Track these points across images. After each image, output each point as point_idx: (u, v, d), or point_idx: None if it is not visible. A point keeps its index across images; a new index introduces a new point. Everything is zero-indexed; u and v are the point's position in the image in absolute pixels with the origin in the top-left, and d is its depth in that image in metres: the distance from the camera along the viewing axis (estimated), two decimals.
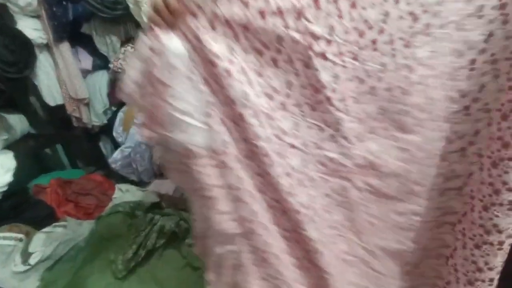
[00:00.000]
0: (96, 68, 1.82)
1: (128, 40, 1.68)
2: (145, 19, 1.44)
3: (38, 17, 1.63)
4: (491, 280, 0.61)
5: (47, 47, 1.70)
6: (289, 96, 0.58)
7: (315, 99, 0.57)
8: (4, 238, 1.31)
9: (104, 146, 2.06)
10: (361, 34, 0.53)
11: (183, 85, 0.55)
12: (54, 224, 1.44)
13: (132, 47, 1.63)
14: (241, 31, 0.53)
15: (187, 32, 0.53)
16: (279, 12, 0.51)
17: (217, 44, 0.53)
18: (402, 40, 0.53)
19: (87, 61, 1.78)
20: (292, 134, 0.59)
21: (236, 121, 0.57)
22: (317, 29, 0.52)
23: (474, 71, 0.54)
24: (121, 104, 1.88)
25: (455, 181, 0.63)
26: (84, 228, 1.47)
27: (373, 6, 0.51)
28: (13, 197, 1.53)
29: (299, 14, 0.51)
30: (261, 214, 0.64)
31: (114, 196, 1.68)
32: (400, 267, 0.73)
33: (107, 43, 1.67)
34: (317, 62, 0.53)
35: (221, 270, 0.72)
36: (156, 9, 0.52)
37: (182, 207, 1.39)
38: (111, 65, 1.68)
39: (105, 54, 1.71)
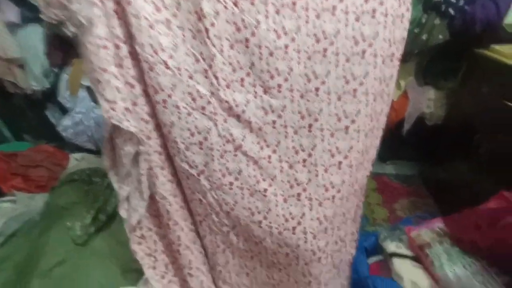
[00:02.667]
0: (26, 21, 1.54)
1: None
2: None
3: None
4: None
5: None
6: (176, 16, 0.59)
7: (196, 27, 0.60)
8: None
9: (52, 115, 1.84)
10: None
11: None
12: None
13: None
14: None
15: None
16: None
17: None
18: (274, 6, 0.59)
19: (12, 12, 1.49)
20: (169, 53, 0.60)
21: (119, 17, 0.58)
22: None
23: (325, 58, 0.64)
24: (64, 65, 1.65)
25: (302, 154, 0.74)
26: (37, 201, 1.34)
27: None
28: None
29: None
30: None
31: (69, 165, 1.54)
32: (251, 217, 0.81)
33: None
34: None
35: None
36: None
37: None
38: (43, 16, 1.42)
39: (34, 3, 1.44)
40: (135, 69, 0.63)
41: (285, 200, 0.77)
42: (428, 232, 1.01)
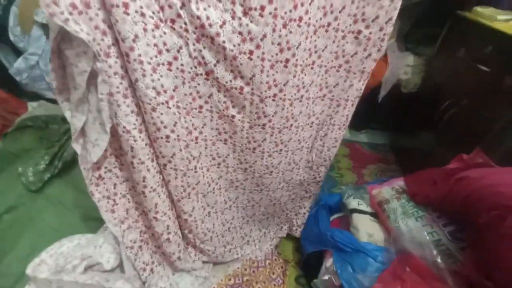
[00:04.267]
0: None
1: None
2: None
3: None
4: None
5: None
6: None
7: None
8: None
9: (5, 58, 1.63)
10: None
11: None
12: None
13: None
14: None
15: None
16: None
17: None
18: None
19: None
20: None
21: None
22: None
23: (252, 60, 0.66)
24: None
25: (274, 89, 0.75)
26: None
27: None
28: None
29: None
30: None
31: (25, 114, 1.41)
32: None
33: None
34: None
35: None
36: None
37: None
38: None
39: None
40: None
41: (250, 127, 0.81)
42: (388, 189, 1.05)
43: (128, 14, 0.53)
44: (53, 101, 1.59)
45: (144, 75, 0.60)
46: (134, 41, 0.56)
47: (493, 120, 0.98)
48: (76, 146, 0.70)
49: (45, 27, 1.43)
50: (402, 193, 1.01)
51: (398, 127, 1.72)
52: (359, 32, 0.69)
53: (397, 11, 0.66)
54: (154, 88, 0.63)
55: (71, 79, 0.61)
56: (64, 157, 1.08)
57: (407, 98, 1.52)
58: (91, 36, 0.55)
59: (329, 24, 0.66)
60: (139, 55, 0.57)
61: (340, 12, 0.65)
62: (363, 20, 0.67)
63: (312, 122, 0.88)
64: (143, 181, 0.76)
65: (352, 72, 0.77)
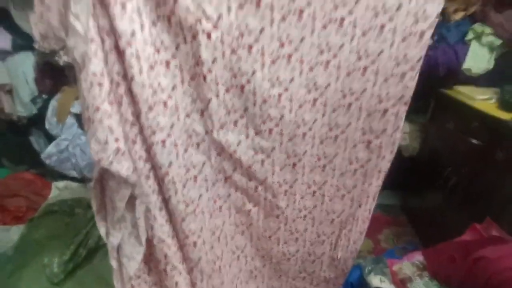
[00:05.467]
0: (17, 48, 1.56)
1: None
2: None
3: None
4: None
5: None
6: (175, 57, 0.60)
7: (194, 71, 0.62)
8: None
9: (36, 141, 1.80)
10: (241, 35, 0.60)
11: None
12: None
13: None
14: None
15: None
16: None
17: None
18: (270, 57, 0.63)
19: (4, 39, 1.51)
20: (168, 93, 0.61)
21: (119, 53, 0.56)
22: (209, 9, 0.56)
23: (314, 107, 0.72)
24: (52, 92, 1.65)
25: (284, 186, 0.83)
26: (12, 234, 1.27)
27: (255, 16, 0.59)
28: None
29: None
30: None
31: (50, 195, 1.48)
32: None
33: (29, 18, 1.43)
34: (202, 38, 0.57)
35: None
36: None
37: None
38: (36, 45, 1.45)
39: (27, 31, 1.47)
40: (131, 107, 0.60)
41: (265, 217, 0.88)
42: (409, 265, 1.04)
43: (165, 147, 0.63)
44: (77, 180, 1.69)
45: (176, 192, 0.69)
46: (169, 166, 0.65)
47: (497, 189, 1.03)
48: (113, 262, 0.74)
49: (78, 116, 1.62)
50: (423, 270, 1.00)
51: (407, 187, 1.76)
52: (369, 141, 0.77)
53: (402, 122, 0.73)
54: (184, 201, 0.71)
55: (110, 201, 0.68)
56: (89, 244, 1.11)
57: (410, 160, 1.59)
58: (131, 169, 0.62)
59: (336, 137, 0.75)
60: (173, 177, 0.67)
61: (346, 127, 0.74)
62: (371, 132, 0.75)
63: (333, 219, 0.92)
64: (176, 285, 0.79)
65: (369, 176, 0.83)
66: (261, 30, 0.60)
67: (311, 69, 0.65)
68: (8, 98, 1.59)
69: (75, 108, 1.59)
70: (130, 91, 0.59)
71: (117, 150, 0.60)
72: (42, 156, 1.58)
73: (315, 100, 0.69)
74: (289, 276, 1.02)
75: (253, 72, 0.64)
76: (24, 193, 1.46)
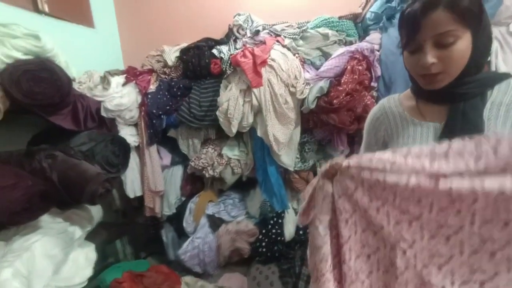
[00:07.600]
0: (173, 163, 2.09)
1: (205, 141, 2.00)
2: (233, 131, 1.77)
3: (135, 125, 2.00)
4: None
5: (136, 148, 2.01)
6: (375, 254, 0.73)
7: (387, 270, 0.71)
8: None
9: (166, 234, 2.15)
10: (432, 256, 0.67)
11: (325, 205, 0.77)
12: None
13: (212, 149, 1.93)
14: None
15: (338, 184, 0.78)
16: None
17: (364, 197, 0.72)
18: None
19: (167, 158, 2.06)
20: (365, 275, 0.72)
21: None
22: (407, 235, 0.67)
23: None
24: (190, 195, 2.08)
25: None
26: None
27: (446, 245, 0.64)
28: None
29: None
30: None
31: None
32: None
33: (189, 144, 1.99)
34: (399, 252, 0.66)
35: None
36: (328, 166, 0.81)
37: None
38: (192, 163, 1.95)
39: (185, 153, 2.01)
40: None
41: None
42: None
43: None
44: (198, 275, 1.90)
45: None
46: None
47: None
48: None
49: (209, 217, 1.96)
50: None
51: None
52: None
53: None
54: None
55: None
56: None
57: None
58: None
59: None
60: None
61: None
62: None
63: None
64: None
65: None
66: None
67: None
68: (159, 200, 2.04)
69: (208, 210, 1.95)
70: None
71: None
72: (180, 251, 1.87)
73: None
74: None
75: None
76: (164, 286, 1.69)
